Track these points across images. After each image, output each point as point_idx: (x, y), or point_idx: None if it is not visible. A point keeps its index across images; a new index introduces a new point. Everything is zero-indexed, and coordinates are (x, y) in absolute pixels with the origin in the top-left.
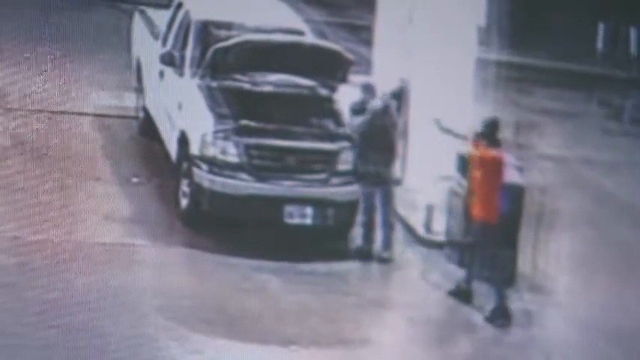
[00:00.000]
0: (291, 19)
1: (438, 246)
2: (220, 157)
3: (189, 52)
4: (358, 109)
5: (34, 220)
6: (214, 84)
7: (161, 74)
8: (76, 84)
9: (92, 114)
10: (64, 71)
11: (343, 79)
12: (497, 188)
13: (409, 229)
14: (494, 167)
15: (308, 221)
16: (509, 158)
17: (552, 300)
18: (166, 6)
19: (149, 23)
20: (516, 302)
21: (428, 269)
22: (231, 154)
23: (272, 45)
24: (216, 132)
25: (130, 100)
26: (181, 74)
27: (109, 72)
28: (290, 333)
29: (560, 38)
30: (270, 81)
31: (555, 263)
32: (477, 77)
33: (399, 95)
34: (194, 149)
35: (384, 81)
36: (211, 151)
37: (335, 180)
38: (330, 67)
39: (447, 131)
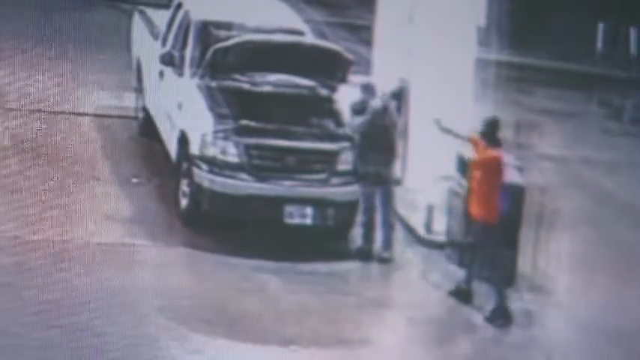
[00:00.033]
0: (291, 19)
1: (438, 246)
2: (220, 157)
3: (189, 52)
4: (358, 109)
5: (34, 219)
6: (214, 84)
7: (161, 74)
8: (75, 84)
9: (92, 114)
10: (63, 71)
11: (343, 79)
12: (497, 188)
13: (409, 229)
14: (494, 167)
15: (308, 221)
16: (509, 158)
17: (552, 300)
18: (166, 6)
19: (149, 23)
20: (516, 302)
21: (428, 269)
22: (231, 154)
23: (272, 45)
24: (216, 132)
25: (129, 100)
26: (181, 74)
27: (108, 72)
28: (290, 333)
29: (560, 38)
30: (270, 81)
31: (555, 263)
32: (477, 77)
33: (399, 95)
34: (194, 149)
35: (384, 81)
36: (211, 151)
37: (335, 180)
38: (330, 67)
39: (447, 131)
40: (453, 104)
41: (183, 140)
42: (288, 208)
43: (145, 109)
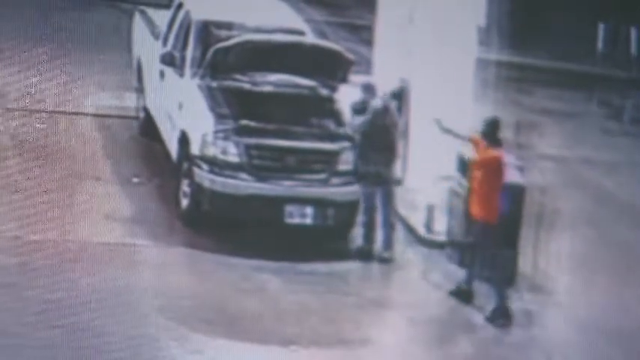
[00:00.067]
0: (291, 19)
1: (438, 246)
2: (221, 157)
3: (189, 52)
4: (359, 109)
5: (35, 220)
6: (215, 84)
7: (161, 74)
8: (76, 84)
9: (92, 114)
10: (64, 71)
11: (344, 79)
12: (497, 188)
13: (410, 229)
14: (495, 167)
15: (308, 221)
16: (509, 158)
17: (553, 300)
18: (167, 6)
19: (149, 23)
20: (517, 302)
21: (428, 269)
22: (232, 154)
23: (272, 45)
24: (216, 132)
25: (130, 100)
26: (182, 74)
27: (109, 72)
28: (290, 333)
29: (560, 38)
30: (271, 81)
31: (555, 263)
32: (477, 77)
33: (400, 95)
34: (194, 149)
35: (384, 81)
36: (212, 151)
37: (335, 180)
38: (331, 67)
39: (447, 131)
40: (453, 104)
41: (183, 140)
42: (289, 208)
43: (145, 109)
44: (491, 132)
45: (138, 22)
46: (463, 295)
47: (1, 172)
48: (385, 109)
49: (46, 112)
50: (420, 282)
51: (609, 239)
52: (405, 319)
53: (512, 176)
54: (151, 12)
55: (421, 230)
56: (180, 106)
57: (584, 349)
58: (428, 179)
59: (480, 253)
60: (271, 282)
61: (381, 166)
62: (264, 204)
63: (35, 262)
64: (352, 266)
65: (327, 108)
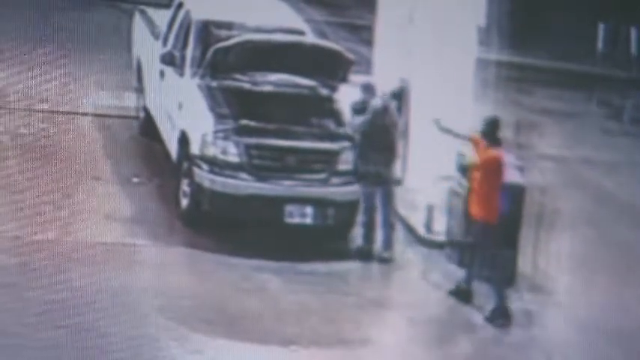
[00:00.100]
0: (291, 18)
1: (438, 246)
2: (221, 156)
3: (189, 51)
4: (359, 109)
5: (35, 220)
6: (215, 84)
7: (161, 74)
8: (76, 84)
9: (92, 114)
10: (64, 71)
11: (344, 79)
12: (497, 188)
13: (410, 229)
14: (495, 167)
15: (308, 221)
16: (509, 158)
17: (552, 300)
18: (167, 6)
19: (149, 23)
20: (516, 302)
21: (428, 269)
22: (232, 153)
23: (272, 45)
24: (216, 132)
25: (130, 100)
26: (182, 74)
27: (109, 72)
28: (290, 333)
29: (560, 38)
30: (271, 81)
31: (555, 263)
32: (477, 77)
33: (400, 95)
34: (194, 149)
35: (384, 81)
36: (212, 151)
37: (335, 180)
38: (331, 67)
39: (447, 131)
40: (453, 104)
41: (183, 140)
42: (289, 208)
43: (145, 109)
44: (491, 131)
45: (138, 21)
46: (462, 294)
47: (1, 172)
48: (385, 109)
49: (46, 112)
50: (419, 282)
51: (609, 239)
52: (405, 319)
53: (512, 176)
54: (151, 12)
55: (421, 230)
56: (180, 106)
57: (584, 349)
58: (428, 179)
59: (479, 253)
60: (271, 282)
61: (381, 166)
62: (264, 204)
63: (35, 263)
64: (352, 266)
65: (327, 108)
